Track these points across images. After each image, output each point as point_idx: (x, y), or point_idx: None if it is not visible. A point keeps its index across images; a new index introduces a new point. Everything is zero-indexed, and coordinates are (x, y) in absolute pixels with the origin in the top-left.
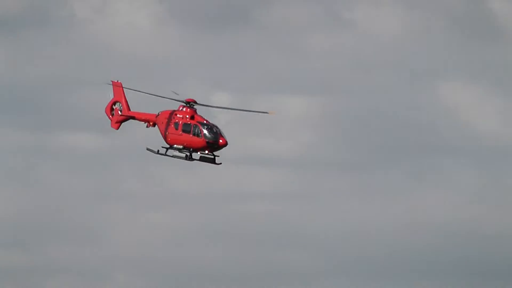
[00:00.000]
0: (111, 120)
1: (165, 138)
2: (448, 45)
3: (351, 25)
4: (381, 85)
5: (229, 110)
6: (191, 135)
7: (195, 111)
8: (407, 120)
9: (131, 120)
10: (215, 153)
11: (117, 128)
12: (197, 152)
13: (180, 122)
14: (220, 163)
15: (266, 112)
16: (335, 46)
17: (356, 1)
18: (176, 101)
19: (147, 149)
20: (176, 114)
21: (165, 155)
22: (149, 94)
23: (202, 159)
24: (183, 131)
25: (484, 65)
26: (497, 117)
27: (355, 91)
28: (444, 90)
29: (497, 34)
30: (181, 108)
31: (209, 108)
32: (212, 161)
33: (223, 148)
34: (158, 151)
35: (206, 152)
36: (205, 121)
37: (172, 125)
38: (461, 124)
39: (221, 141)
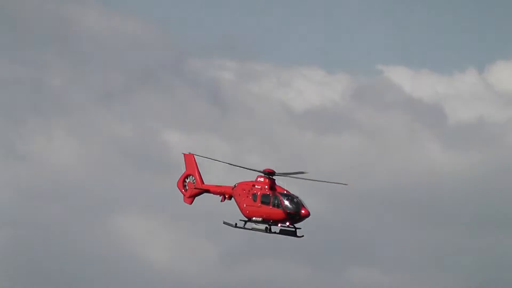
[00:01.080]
0: (184, 195)
1: (242, 210)
2: None
3: None
4: None
5: (307, 180)
6: (270, 207)
7: (274, 181)
8: None
9: (205, 194)
10: (296, 225)
11: (191, 203)
12: (277, 224)
13: (259, 193)
14: (302, 236)
15: (345, 184)
16: None
17: None
18: (253, 172)
19: (224, 222)
20: (254, 185)
21: (244, 228)
22: (225, 163)
23: (282, 232)
24: (262, 202)
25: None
26: None
27: None
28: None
29: None
30: (259, 178)
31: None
32: (293, 233)
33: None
34: (236, 224)
35: (287, 224)
36: (285, 191)
37: (250, 197)
38: None
39: (303, 211)
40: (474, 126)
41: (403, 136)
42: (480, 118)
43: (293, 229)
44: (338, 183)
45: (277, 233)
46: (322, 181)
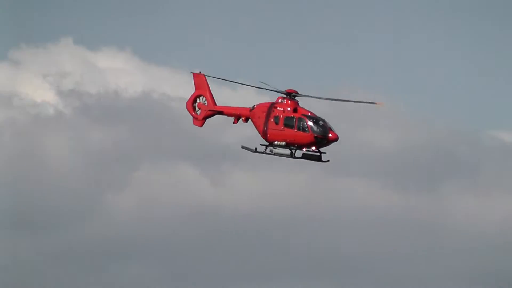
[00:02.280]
0: (194, 117)
1: (263, 134)
2: None
3: None
4: None
5: (335, 101)
6: (295, 130)
7: (297, 102)
8: None
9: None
10: (321, 149)
11: (201, 125)
12: (301, 148)
13: (282, 116)
14: (328, 161)
15: (373, 103)
16: None
17: None
18: (274, 92)
19: (242, 147)
20: (275, 107)
21: (265, 153)
22: (242, 84)
23: (306, 156)
24: (286, 125)
25: None
26: None
27: None
28: None
29: None
30: (280, 100)
31: (311, 100)
32: (318, 158)
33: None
34: (256, 149)
35: (313, 148)
36: (310, 114)
37: (272, 120)
38: None
39: (331, 135)
40: None
41: None
42: None
43: (318, 154)
44: (369, 102)
45: (300, 158)
46: (351, 101)
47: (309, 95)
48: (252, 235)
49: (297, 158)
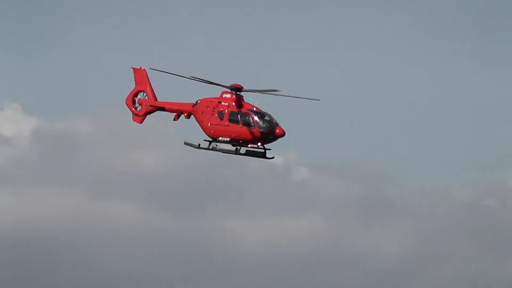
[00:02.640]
0: (134, 113)
1: (206, 130)
2: None
3: None
4: None
5: (280, 96)
6: (240, 125)
7: (242, 98)
8: None
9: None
10: (266, 145)
11: (141, 122)
12: (247, 144)
13: (226, 111)
14: (273, 157)
15: (317, 100)
16: None
17: None
18: (217, 87)
19: (185, 143)
20: (220, 102)
21: (208, 149)
22: (187, 78)
23: (250, 153)
24: (230, 121)
25: None
26: None
27: None
28: None
29: None
30: (224, 95)
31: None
32: (263, 155)
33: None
34: (199, 145)
35: (258, 144)
36: (255, 108)
37: (216, 115)
38: None
39: (277, 131)
40: None
41: None
42: None
43: (263, 150)
44: (311, 98)
45: (244, 154)
46: (294, 96)
47: (254, 89)
48: None
49: (241, 154)
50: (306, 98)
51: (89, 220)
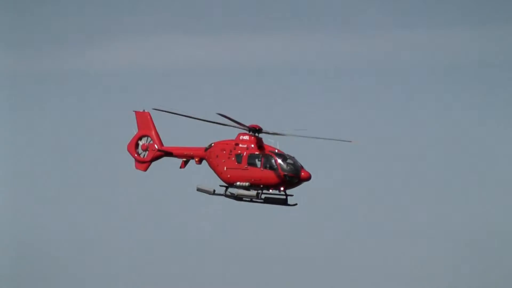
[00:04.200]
0: (137, 160)
1: (222, 175)
2: None
3: None
4: None
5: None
6: (261, 169)
7: (261, 139)
8: None
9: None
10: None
11: (145, 170)
12: (268, 189)
13: (245, 154)
14: (296, 204)
15: (349, 141)
16: None
17: None
18: (234, 128)
19: (198, 189)
20: (237, 144)
21: (225, 195)
22: (198, 119)
23: (269, 200)
24: (250, 164)
25: None
26: None
27: None
28: None
29: None
30: (241, 137)
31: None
32: (284, 202)
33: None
34: (214, 191)
35: (282, 189)
36: (277, 151)
37: (233, 158)
38: None
39: (303, 174)
40: None
41: None
42: None
43: (284, 197)
44: (341, 140)
45: (263, 202)
46: (322, 138)
47: (276, 132)
48: None
49: (260, 202)
50: (336, 140)
51: None
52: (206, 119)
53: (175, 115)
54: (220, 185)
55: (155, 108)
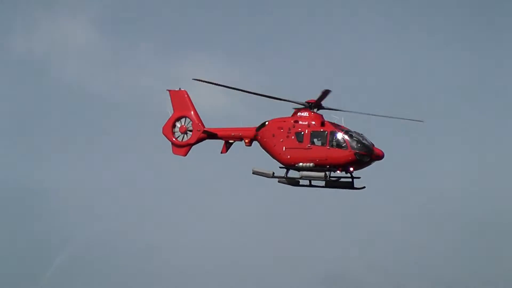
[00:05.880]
0: (175, 144)
1: (280, 156)
2: None
3: None
4: None
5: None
6: (327, 147)
7: (322, 116)
8: None
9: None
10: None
11: (185, 154)
12: (335, 170)
13: (307, 131)
14: (364, 187)
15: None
16: None
17: None
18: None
19: (254, 172)
20: (297, 122)
21: (286, 178)
22: (247, 92)
23: (332, 184)
24: (313, 142)
25: None
26: None
27: None
28: None
29: None
30: (299, 113)
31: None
32: (350, 185)
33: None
34: (273, 173)
35: (351, 169)
36: (342, 127)
37: (293, 137)
38: None
39: (376, 151)
40: None
41: None
42: None
43: (350, 179)
44: (412, 119)
45: (326, 186)
46: (389, 116)
47: (336, 108)
48: None
49: (321, 186)
50: (407, 119)
51: None
52: (256, 92)
53: (216, 86)
54: (280, 167)
55: (195, 78)
